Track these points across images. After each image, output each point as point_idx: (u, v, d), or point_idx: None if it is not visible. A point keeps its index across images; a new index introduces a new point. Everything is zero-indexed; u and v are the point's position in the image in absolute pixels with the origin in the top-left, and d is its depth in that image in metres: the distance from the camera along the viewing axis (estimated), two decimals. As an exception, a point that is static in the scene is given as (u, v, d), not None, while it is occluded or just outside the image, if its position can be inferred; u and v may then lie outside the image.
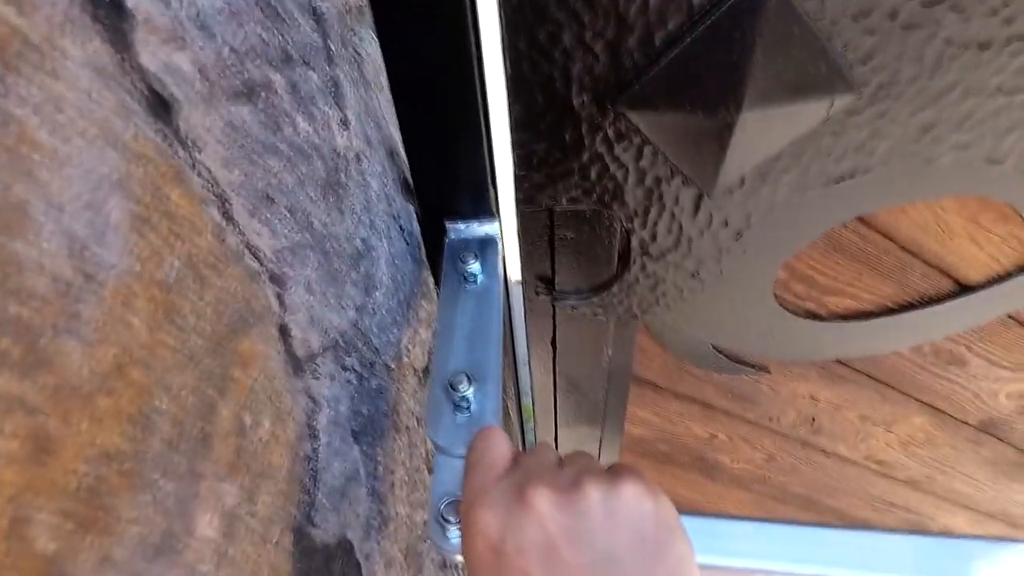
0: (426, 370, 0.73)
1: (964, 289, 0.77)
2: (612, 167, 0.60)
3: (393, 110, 0.57)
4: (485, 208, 0.65)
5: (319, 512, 0.40)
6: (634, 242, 0.69)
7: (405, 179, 0.66)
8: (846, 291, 0.78)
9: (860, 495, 1.24)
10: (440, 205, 0.65)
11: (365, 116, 0.53)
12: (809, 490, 1.25)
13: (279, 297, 0.35)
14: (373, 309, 0.53)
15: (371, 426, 0.50)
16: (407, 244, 0.62)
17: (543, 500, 0.33)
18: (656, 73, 0.52)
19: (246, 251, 0.31)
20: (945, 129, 0.56)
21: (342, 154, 0.45)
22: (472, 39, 0.48)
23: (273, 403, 0.33)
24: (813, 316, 0.82)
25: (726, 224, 0.67)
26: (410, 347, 0.64)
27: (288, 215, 0.35)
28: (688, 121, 0.54)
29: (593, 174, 0.61)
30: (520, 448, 0.69)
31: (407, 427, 0.63)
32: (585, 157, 0.59)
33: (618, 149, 0.58)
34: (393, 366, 0.59)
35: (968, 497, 1.21)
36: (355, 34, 0.49)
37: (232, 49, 0.28)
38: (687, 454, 1.18)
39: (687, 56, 0.50)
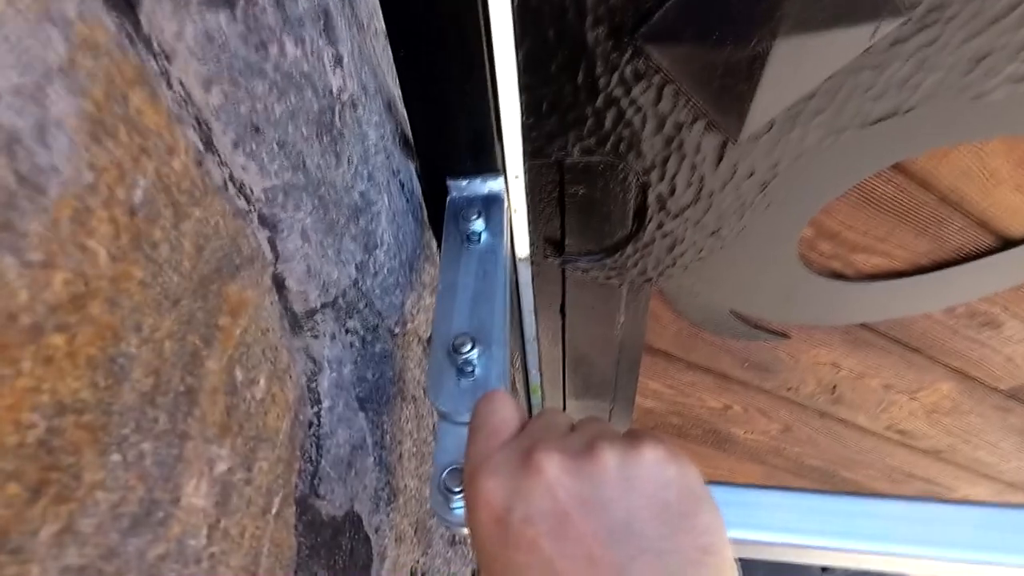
0: (430, 339, 0.70)
1: (1006, 244, 0.72)
2: (629, 112, 0.55)
3: (389, 57, 0.53)
4: (489, 163, 0.61)
5: (324, 482, 0.36)
6: (651, 197, 0.64)
7: (404, 134, 0.62)
8: (876, 248, 0.73)
9: (878, 466, 1.21)
10: (441, 161, 0.60)
11: (359, 60, 0.49)
12: (825, 462, 1.22)
13: (271, 243, 0.31)
14: (375, 269, 0.49)
15: (376, 393, 0.47)
16: (408, 202, 0.58)
17: (553, 465, 0.29)
18: (679, -2, 0.47)
19: (231, 185, 0.27)
20: (1000, 59, 0.51)
21: (336, 95, 0.41)
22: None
23: (268, 359, 0.29)
24: (839, 276, 0.78)
25: (751, 174, 0.62)
26: (414, 312, 0.60)
27: (278, 150, 0.31)
28: (715, 55, 0.49)
29: (608, 120, 0.56)
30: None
31: (413, 397, 0.60)
32: (599, 101, 0.55)
33: (636, 91, 0.54)
34: (397, 331, 0.55)
35: (991, 467, 1.18)
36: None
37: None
38: (699, 426, 1.14)
39: (715, -23, 0.45)
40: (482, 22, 0.48)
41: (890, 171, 0.65)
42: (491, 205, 0.58)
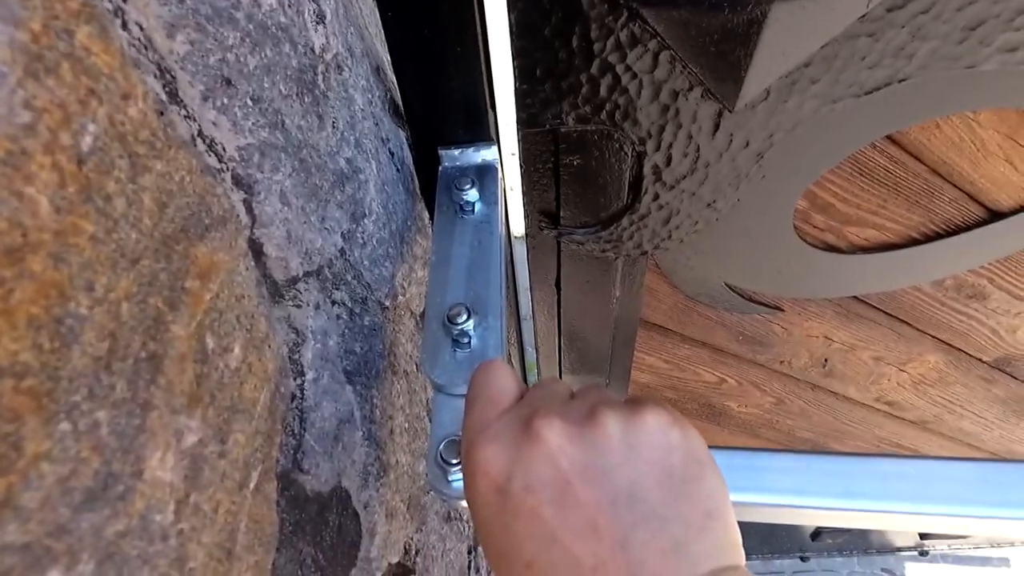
0: (423, 314, 0.68)
1: (994, 216, 0.72)
2: (624, 78, 0.54)
3: (377, 20, 0.51)
4: (482, 132, 0.59)
5: (308, 456, 0.35)
6: (646, 168, 0.63)
7: (394, 101, 0.60)
8: (869, 220, 0.72)
9: (867, 437, 1.22)
10: (433, 130, 0.58)
11: (344, 20, 0.46)
12: (816, 434, 1.23)
13: (247, 205, 0.29)
14: (363, 239, 0.47)
15: (365, 366, 0.46)
16: (398, 172, 0.57)
17: (554, 433, 0.28)
18: (676, -41, 0.45)
19: (199, 141, 0.25)
20: (993, 28, 0.50)
21: (318, 53, 0.39)
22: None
23: (244, 326, 0.28)
24: (833, 249, 0.77)
25: (747, 145, 0.61)
26: (405, 285, 0.58)
27: (252, 106, 0.29)
28: (711, 19, 0.48)
29: (603, 88, 0.55)
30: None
31: (405, 371, 0.58)
32: (594, 67, 0.53)
33: (631, 56, 0.52)
34: (387, 304, 0.53)
35: (974, 436, 1.19)
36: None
37: None
38: (694, 400, 1.14)
39: (713, -64, 0.43)
40: (474, -15, 0.46)
41: (883, 142, 0.64)
42: (485, 175, 0.57)
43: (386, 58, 0.58)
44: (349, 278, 0.46)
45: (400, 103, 0.59)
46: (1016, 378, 1.03)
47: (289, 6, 0.32)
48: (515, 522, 0.27)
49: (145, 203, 0.21)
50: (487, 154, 0.60)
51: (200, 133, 0.26)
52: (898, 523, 0.35)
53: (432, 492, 0.67)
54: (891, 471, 0.34)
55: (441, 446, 0.39)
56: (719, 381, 1.06)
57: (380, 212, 0.52)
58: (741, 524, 0.29)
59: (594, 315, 0.89)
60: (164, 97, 0.23)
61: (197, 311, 0.24)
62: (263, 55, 0.30)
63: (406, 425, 0.60)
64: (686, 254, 0.76)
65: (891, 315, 0.88)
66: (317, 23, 0.39)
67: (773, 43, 0.49)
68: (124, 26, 0.21)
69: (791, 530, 2.24)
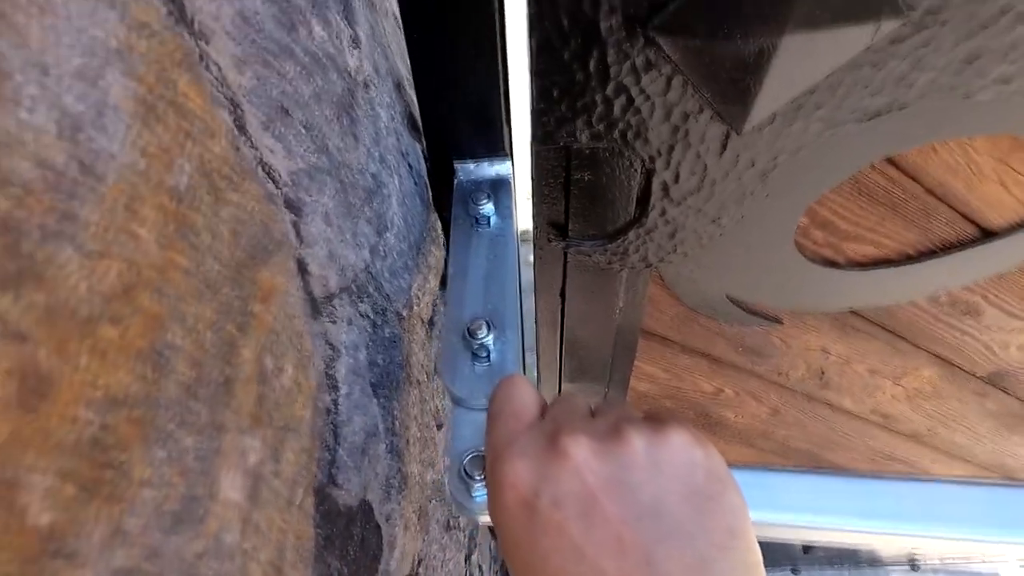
0: (431, 321, 0.69)
1: (987, 235, 0.75)
2: (638, 100, 0.56)
3: (399, 38, 0.52)
4: (498, 147, 0.61)
5: (341, 471, 0.36)
6: (655, 184, 0.65)
7: (412, 115, 0.61)
8: (867, 237, 0.75)
9: (861, 449, 1.24)
10: (450, 144, 0.60)
11: (373, 42, 0.48)
12: (811, 445, 1.25)
13: (295, 226, 0.31)
14: (384, 252, 0.49)
15: (387, 378, 0.47)
16: (416, 184, 0.58)
17: (581, 448, 0.29)
18: (692, -9, 0.47)
19: (260, 169, 0.27)
20: (989, 60, 0.53)
21: (353, 75, 0.40)
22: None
23: (295, 346, 0.29)
24: (831, 264, 0.79)
25: (752, 164, 0.63)
26: (419, 295, 0.59)
27: (304, 133, 0.30)
28: (724, 48, 0.50)
29: (617, 108, 0.56)
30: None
31: (418, 381, 0.59)
32: (610, 89, 0.55)
33: (645, 80, 0.54)
34: (404, 314, 0.55)
35: (967, 450, 1.22)
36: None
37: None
38: (691, 409, 1.16)
39: (727, -29, 0.45)
40: (497, 8, 0.47)
41: (882, 164, 0.67)
42: (499, 188, 0.58)
43: (407, 74, 0.59)
44: (371, 290, 0.47)
45: (418, 117, 0.60)
46: (1008, 393, 1.06)
47: (336, 36, 0.33)
48: (542, 537, 0.27)
49: (224, 235, 0.22)
50: (501, 168, 0.61)
51: (260, 161, 0.27)
52: (912, 544, 0.36)
53: (453, 506, 0.68)
54: (905, 492, 0.36)
55: (465, 460, 0.39)
56: (717, 391, 1.08)
57: (401, 225, 0.53)
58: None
59: (597, 324, 0.91)
60: (235, 130, 0.24)
61: (261, 334, 0.25)
62: (315, 84, 0.31)
63: (419, 435, 0.61)
64: (689, 267, 0.78)
65: (887, 329, 0.90)
66: (353, 47, 0.40)
67: (782, 71, 0.51)
68: (207, 67, 0.22)
69: (782, 543, 2.26)
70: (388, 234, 0.49)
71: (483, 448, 0.38)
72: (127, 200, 0.17)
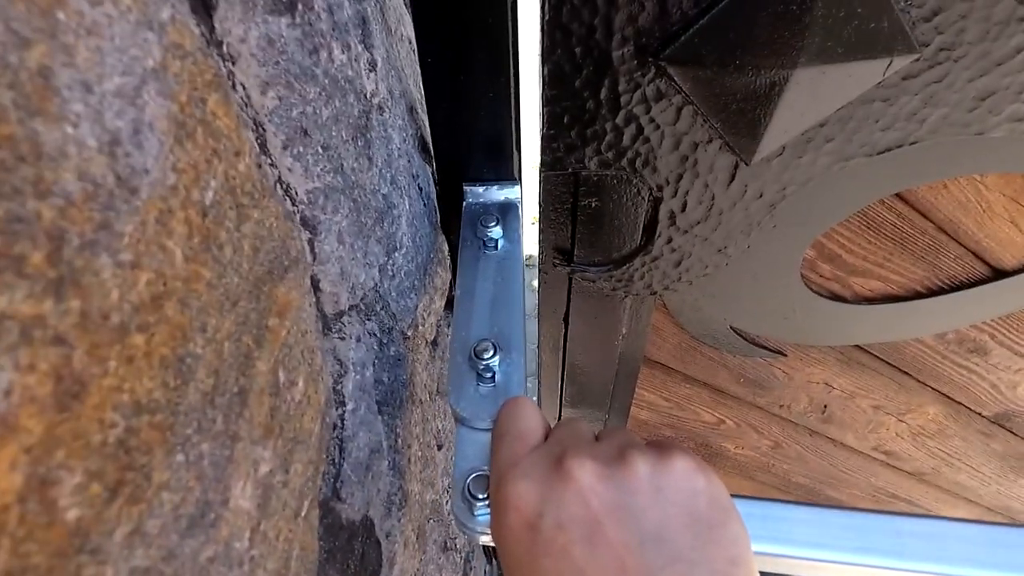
0: (435, 342, 0.70)
1: (997, 274, 0.75)
2: (648, 129, 0.56)
3: (413, 62, 0.53)
4: (507, 171, 0.62)
5: (345, 486, 0.36)
6: (662, 212, 0.65)
7: (423, 138, 0.62)
8: (874, 272, 0.75)
9: (863, 486, 1.23)
10: (459, 167, 0.61)
11: (388, 66, 0.49)
12: (812, 480, 1.24)
13: (311, 244, 0.31)
14: (392, 272, 0.49)
15: (391, 396, 0.47)
16: (424, 206, 0.59)
17: (585, 472, 0.29)
18: (705, 24, 0.48)
19: (279, 187, 0.27)
20: (1002, 98, 0.53)
21: (369, 98, 0.41)
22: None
23: (307, 360, 0.29)
24: (837, 298, 0.79)
25: (760, 195, 0.63)
26: (425, 315, 0.60)
27: (322, 153, 0.31)
28: (736, 80, 0.51)
29: (627, 137, 0.57)
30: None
31: (421, 400, 0.60)
32: (620, 118, 0.55)
33: (656, 109, 0.55)
34: (409, 334, 0.55)
35: (971, 491, 1.20)
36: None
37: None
38: (691, 439, 1.15)
39: (740, 5, 0.46)
40: (511, 36, 0.49)
41: (892, 199, 0.67)
42: (507, 212, 0.59)
43: (419, 98, 0.60)
44: (379, 309, 0.48)
45: (430, 140, 0.61)
46: (1015, 434, 1.04)
47: (355, 60, 0.34)
48: (544, 559, 0.28)
49: (245, 249, 0.22)
50: (510, 193, 0.62)
51: (279, 179, 0.28)
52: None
53: (455, 525, 0.68)
54: (906, 529, 0.36)
55: (469, 480, 0.39)
56: (718, 422, 1.08)
57: (409, 246, 0.54)
58: None
59: (599, 350, 0.91)
60: (258, 149, 0.25)
61: (275, 347, 0.25)
62: (334, 106, 0.32)
63: (420, 454, 0.61)
64: (694, 296, 0.78)
65: (892, 365, 0.89)
66: (370, 71, 0.41)
67: (792, 104, 0.52)
68: (234, 87, 0.23)
69: None
70: (397, 254, 0.50)
71: (486, 468, 0.39)
72: (158, 213, 0.17)
